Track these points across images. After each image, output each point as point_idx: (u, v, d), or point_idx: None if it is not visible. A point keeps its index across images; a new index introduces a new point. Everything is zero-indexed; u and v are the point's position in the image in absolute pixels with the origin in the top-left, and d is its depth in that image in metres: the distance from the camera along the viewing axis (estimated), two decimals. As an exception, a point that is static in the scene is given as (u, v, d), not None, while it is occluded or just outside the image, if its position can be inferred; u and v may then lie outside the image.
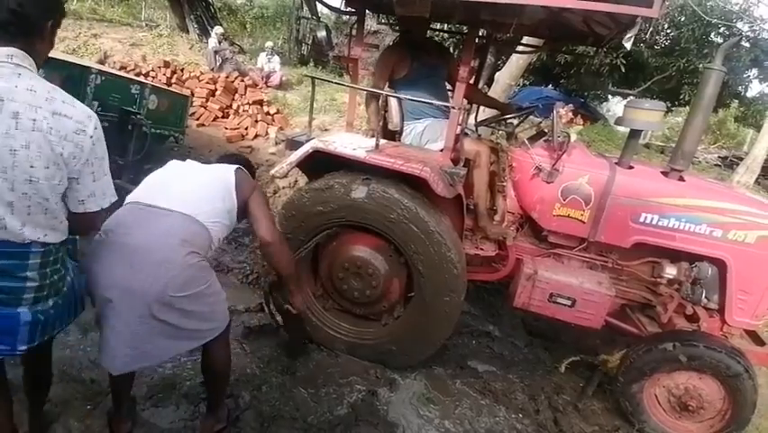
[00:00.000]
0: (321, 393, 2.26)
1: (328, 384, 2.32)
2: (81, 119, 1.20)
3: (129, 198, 1.62)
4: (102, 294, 1.46)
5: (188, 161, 1.84)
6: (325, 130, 7.05)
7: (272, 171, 2.53)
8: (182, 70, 7.78)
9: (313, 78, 2.79)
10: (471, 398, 2.51)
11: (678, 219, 2.49)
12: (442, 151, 2.63)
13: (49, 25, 1.24)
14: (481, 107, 3.77)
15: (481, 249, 2.81)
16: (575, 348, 2.97)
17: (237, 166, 1.77)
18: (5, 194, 1.14)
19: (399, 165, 2.23)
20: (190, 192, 1.62)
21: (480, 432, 2.29)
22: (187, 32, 10.49)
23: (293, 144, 2.57)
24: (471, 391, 2.56)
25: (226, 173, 1.72)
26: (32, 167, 1.13)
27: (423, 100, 2.65)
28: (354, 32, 2.80)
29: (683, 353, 2.31)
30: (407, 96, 2.65)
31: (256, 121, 7.14)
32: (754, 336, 2.72)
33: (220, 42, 9.17)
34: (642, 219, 2.53)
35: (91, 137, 1.21)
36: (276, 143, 6.56)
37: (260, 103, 7.54)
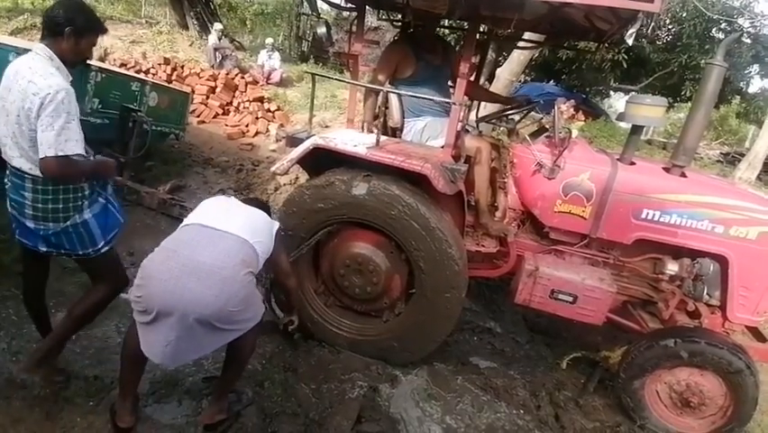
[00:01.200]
0: (323, 389, 2.26)
1: (330, 380, 2.32)
2: (42, 87, 1.63)
3: (190, 220, 1.82)
4: (167, 299, 1.58)
5: (231, 197, 2.09)
6: (326, 127, 7.03)
7: (273, 168, 2.53)
8: (182, 67, 7.77)
9: (313, 74, 2.78)
10: (473, 394, 2.51)
11: (680, 215, 2.49)
12: (442, 147, 2.62)
13: (67, 30, 1.73)
14: (482, 104, 3.76)
15: (482, 246, 2.81)
16: (577, 344, 2.97)
17: (278, 225, 1.99)
18: (9, 133, 1.72)
19: (400, 162, 2.23)
20: (245, 222, 1.83)
21: (482, 428, 2.30)
22: (187, 29, 10.47)
23: (293, 141, 2.56)
24: (473, 387, 2.56)
25: (273, 222, 1.98)
26: (17, 115, 1.68)
27: (424, 97, 2.64)
28: (354, 28, 2.79)
29: (685, 349, 2.31)
30: (408, 93, 2.64)
31: (257, 118, 7.13)
32: (755, 333, 2.72)
33: (220, 39, 9.15)
34: (643, 215, 2.52)
35: (41, 100, 1.62)
36: (276, 140, 6.56)
37: (261, 100, 7.52)
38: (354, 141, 2.42)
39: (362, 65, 2.85)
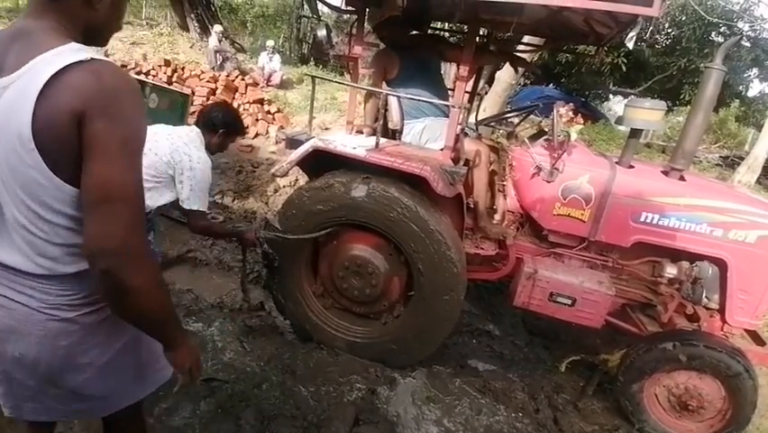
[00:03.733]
0: (321, 392, 2.25)
1: (328, 383, 2.32)
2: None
3: None
4: None
5: None
6: (326, 129, 7.04)
7: (272, 170, 2.53)
8: (183, 69, 7.77)
9: (313, 77, 2.79)
10: (471, 397, 2.50)
11: (678, 219, 2.49)
12: (442, 150, 2.63)
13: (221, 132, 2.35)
14: (482, 106, 3.77)
15: (481, 248, 2.81)
16: (575, 347, 2.97)
17: None
18: None
19: (399, 164, 2.23)
20: None
21: (480, 431, 2.29)
22: (188, 30, 10.47)
23: (293, 143, 2.57)
24: (471, 390, 2.55)
25: None
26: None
27: (423, 99, 2.64)
28: (354, 30, 2.80)
29: (683, 352, 2.31)
30: (407, 96, 2.65)
31: (257, 120, 7.14)
32: (754, 336, 2.72)
33: (220, 41, 9.15)
34: (642, 219, 2.53)
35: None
36: (276, 142, 6.57)
37: (261, 102, 7.53)
38: (353, 143, 2.42)
39: (362, 67, 2.86)
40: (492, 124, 3.40)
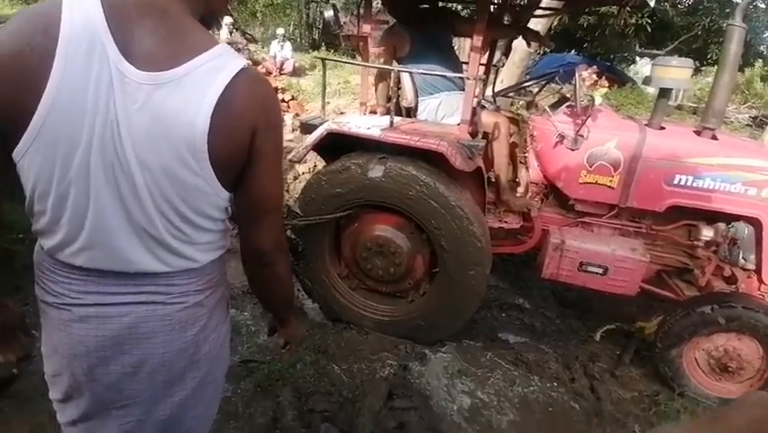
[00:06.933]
0: (354, 369, 2.30)
1: (360, 360, 2.36)
2: None
3: None
4: None
5: None
6: (341, 113, 7.01)
7: (289, 157, 2.55)
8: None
9: (324, 59, 2.76)
10: (504, 368, 2.50)
11: (713, 179, 2.39)
12: (459, 125, 2.58)
13: None
14: (499, 78, 3.65)
15: (505, 222, 2.77)
16: (610, 316, 2.89)
17: None
18: None
19: (415, 141, 2.21)
20: None
21: (515, 401, 2.29)
22: None
23: (307, 128, 2.56)
24: (503, 363, 2.55)
25: None
26: None
27: (436, 74, 2.58)
28: (363, 10, 2.74)
29: (722, 315, 2.24)
30: (420, 71, 2.59)
31: (273, 109, 7.17)
32: None
33: (231, 33, 9.18)
34: (676, 181, 2.43)
35: None
36: (292, 130, 6.58)
37: (275, 91, 7.54)
38: (368, 123, 2.40)
39: (373, 47, 2.81)
40: (510, 95, 3.31)
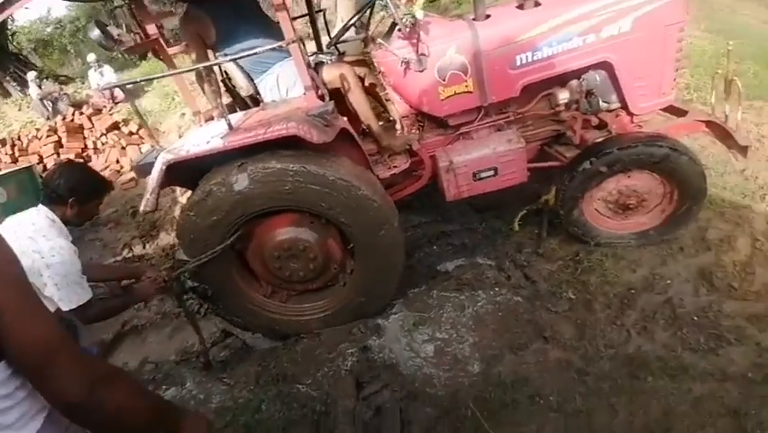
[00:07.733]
0: (318, 378, 2.24)
1: (320, 366, 2.30)
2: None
3: None
4: None
5: None
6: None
7: (141, 208, 2.22)
8: (19, 139, 6.62)
9: (120, 85, 2.34)
10: (451, 299, 2.58)
11: (549, 45, 2.45)
12: (304, 94, 2.38)
13: (71, 201, 1.92)
14: (338, 18, 3.40)
15: (395, 166, 2.71)
16: (521, 203, 3.01)
17: None
18: None
19: (262, 135, 2.00)
20: None
21: (469, 324, 2.39)
22: (10, 94, 9.11)
23: (144, 170, 2.23)
24: (449, 294, 2.63)
25: None
26: None
27: (254, 53, 2.28)
28: (135, 9, 2.31)
29: (601, 164, 2.42)
30: (239, 56, 2.28)
31: (123, 147, 6.29)
32: (674, 110, 2.76)
33: (41, 86, 7.93)
34: (518, 63, 2.47)
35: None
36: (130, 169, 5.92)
37: (117, 126, 6.59)
38: (207, 136, 2.13)
39: (175, 45, 2.44)
40: (344, 40, 3.11)
